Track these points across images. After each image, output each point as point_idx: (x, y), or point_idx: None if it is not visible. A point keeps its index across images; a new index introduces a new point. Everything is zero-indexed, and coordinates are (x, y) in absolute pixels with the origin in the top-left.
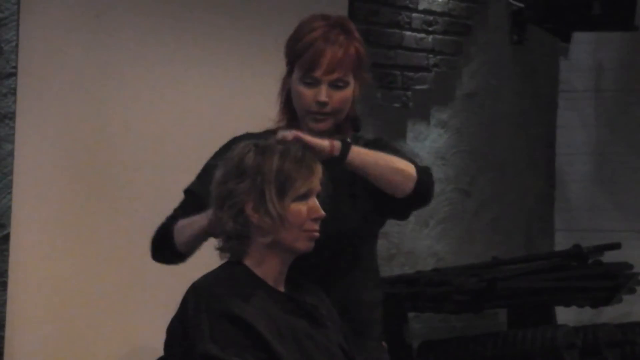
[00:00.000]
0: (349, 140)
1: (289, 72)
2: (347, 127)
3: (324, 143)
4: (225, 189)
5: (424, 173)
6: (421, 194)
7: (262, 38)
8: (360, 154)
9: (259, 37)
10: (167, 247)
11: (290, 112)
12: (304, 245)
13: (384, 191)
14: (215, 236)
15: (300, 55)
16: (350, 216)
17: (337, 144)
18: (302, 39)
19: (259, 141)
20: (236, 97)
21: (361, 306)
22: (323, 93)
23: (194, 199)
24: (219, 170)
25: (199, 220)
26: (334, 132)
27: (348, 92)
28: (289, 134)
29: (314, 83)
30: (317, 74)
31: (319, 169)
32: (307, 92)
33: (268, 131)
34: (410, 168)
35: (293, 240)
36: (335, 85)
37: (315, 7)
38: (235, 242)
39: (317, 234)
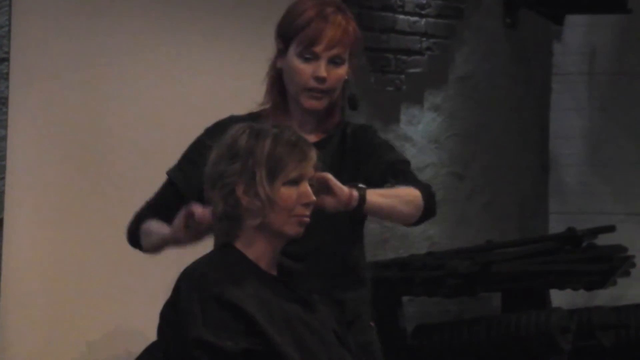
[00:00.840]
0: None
1: (281, 52)
2: (337, 110)
3: (344, 191)
4: (218, 170)
5: (429, 196)
6: (427, 217)
7: (262, 33)
8: (375, 202)
9: (258, 32)
10: (136, 242)
11: (278, 94)
12: (292, 229)
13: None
14: (178, 245)
15: (299, 32)
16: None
17: (355, 194)
18: (300, 16)
19: (254, 124)
20: (237, 90)
21: (346, 304)
22: (322, 68)
23: (172, 189)
24: (213, 150)
25: (162, 230)
26: (324, 115)
27: (343, 70)
28: (320, 175)
29: (313, 58)
30: (318, 48)
31: (312, 155)
32: (306, 68)
33: (252, 114)
34: (417, 197)
35: (282, 224)
36: (333, 62)
37: None
38: (226, 224)
39: (307, 219)
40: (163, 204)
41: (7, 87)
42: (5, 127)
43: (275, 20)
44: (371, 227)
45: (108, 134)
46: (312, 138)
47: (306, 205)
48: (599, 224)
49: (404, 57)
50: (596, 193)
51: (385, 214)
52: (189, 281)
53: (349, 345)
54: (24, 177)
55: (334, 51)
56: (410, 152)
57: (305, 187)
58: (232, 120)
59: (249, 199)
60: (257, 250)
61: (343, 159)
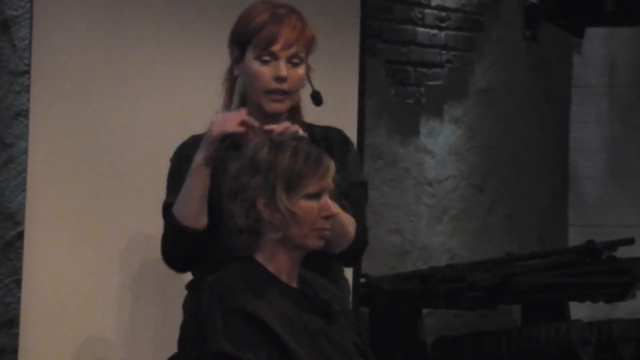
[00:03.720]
0: (302, 131)
1: (237, 60)
2: (299, 114)
3: None
4: (238, 184)
5: (361, 233)
6: (351, 251)
7: None
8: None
9: None
10: (183, 243)
11: (238, 103)
12: (313, 242)
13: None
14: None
15: (254, 35)
16: None
17: None
18: (254, 20)
19: (274, 136)
20: None
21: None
22: (282, 68)
23: None
24: (233, 164)
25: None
26: (288, 116)
27: (302, 71)
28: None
29: (272, 59)
30: (276, 47)
31: (331, 168)
32: (265, 70)
33: None
34: (352, 231)
35: (303, 237)
36: (292, 62)
37: (326, 2)
38: (247, 237)
39: (327, 232)
40: None
41: (28, 99)
42: (26, 140)
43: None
44: (391, 239)
45: (130, 147)
46: None
47: (326, 218)
48: (618, 237)
49: (424, 70)
50: (616, 205)
51: (334, 236)
52: (211, 293)
53: (369, 357)
54: (45, 190)
55: (292, 50)
56: (430, 165)
57: (326, 200)
58: (194, 140)
59: (270, 212)
60: (278, 263)
61: None
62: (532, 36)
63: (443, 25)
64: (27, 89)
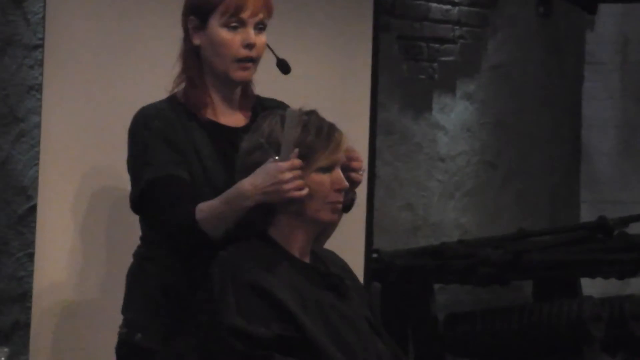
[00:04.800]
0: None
1: (197, 28)
2: (252, 84)
3: None
4: (251, 160)
5: None
6: None
7: (282, 31)
8: None
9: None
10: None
11: (195, 70)
12: (327, 216)
13: None
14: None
15: (221, 1)
16: None
17: None
18: None
19: (284, 112)
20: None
21: None
22: (252, 34)
23: (180, 183)
24: (245, 141)
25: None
26: (242, 91)
27: (265, 38)
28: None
29: (240, 26)
30: (245, 14)
31: (343, 141)
32: (234, 37)
33: (171, 98)
34: None
35: (316, 210)
36: (258, 29)
37: None
38: (260, 213)
39: (340, 205)
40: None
41: (41, 73)
42: (38, 114)
43: (286, 17)
44: (403, 215)
45: None
46: (240, 120)
47: (339, 191)
48: (630, 213)
49: (437, 46)
50: (628, 182)
51: None
52: (223, 268)
53: (380, 332)
54: (58, 164)
55: (260, 16)
56: (442, 141)
57: (338, 173)
58: (157, 109)
59: None
60: (291, 238)
61: None
62: (545, 12)
63: (456, 0)
64: (40, 63)
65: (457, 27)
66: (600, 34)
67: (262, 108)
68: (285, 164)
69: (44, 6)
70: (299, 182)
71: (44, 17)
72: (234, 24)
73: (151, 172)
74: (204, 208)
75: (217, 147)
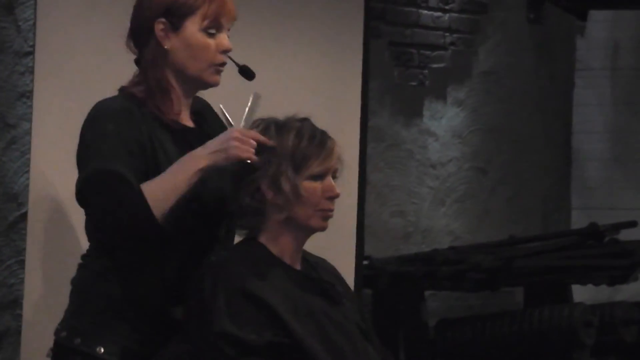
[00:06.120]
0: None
1: (167, 32)
2: None
3: None
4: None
5: None
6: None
7: (273, 38)
8: None
9: (269, 37)
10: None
11: (161, 72)
12: (318, 223)
13: None
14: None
15: (200, 6)
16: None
17: None
18: None
19: (278, 119)
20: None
21: None
22: (227, 40)
23: (129, 179)
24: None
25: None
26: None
27: None
28: None
29: (217, 32)
30: (224, 20)
31: (336, 149)
32: (211, 42)
33: (129, 97)
34: None
35: (307, 218)
36: (227, 34)
37: None
38: (251, 219)
39: (331, 214)
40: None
41: (32, 80)
42: (29, 121)
43: (276, 23)
44: (394, 221)
45: None
46: (189, 121)
47: (330, 198)
48: (621, 219)
49: (428, 52)
50: (619, 188)
51: None
52: (214, 273)
53: (372, 339)
54: (48, 171)
55: (234, 20)
56: (433, 147)
57: (330, 181)
58: (121, 105)
59: (274, 194)
60: (281, 244)
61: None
62: (536, 18)
63: (447, 7)
64: (31, 70)
65: (447, 33)
66: (590, 40)
67: (195, 109)
68: (237, 129)
69: (35, 13)
70: (249, 145)
71: (34, 24)
72: (212, 31)
73: (108, 164)
74: (150, 182)
75: (178, 147)
